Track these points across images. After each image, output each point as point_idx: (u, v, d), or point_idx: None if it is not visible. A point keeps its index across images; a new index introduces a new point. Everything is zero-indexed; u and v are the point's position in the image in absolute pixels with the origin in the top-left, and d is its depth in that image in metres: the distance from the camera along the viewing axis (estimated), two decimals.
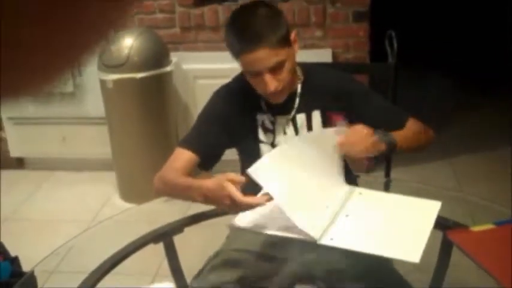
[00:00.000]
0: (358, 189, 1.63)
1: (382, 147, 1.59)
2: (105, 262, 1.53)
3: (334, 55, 3.33)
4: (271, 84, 1.59)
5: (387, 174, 2.15)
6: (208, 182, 1.49)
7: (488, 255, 1.34)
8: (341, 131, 1.60)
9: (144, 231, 1.67)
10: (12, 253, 2.24)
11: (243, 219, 1.50)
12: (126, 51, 3.06)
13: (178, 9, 3.44)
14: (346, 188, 1.63)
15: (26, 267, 2.15)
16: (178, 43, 3.48)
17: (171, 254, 1.72)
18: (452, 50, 5.44)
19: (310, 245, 1.43)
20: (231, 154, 1.81)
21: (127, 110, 3.24)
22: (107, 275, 1.50)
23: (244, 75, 1.68)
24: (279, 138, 1.74)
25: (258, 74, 1.59)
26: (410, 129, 1.73)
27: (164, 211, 1.88)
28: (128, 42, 3.07)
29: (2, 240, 2.28)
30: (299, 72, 1.73)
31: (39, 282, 1.76)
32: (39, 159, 3.86)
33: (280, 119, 1.73)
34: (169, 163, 1.69)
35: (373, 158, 1.62)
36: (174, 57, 3.36)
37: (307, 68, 1.76)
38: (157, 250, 1.69)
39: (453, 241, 1.45)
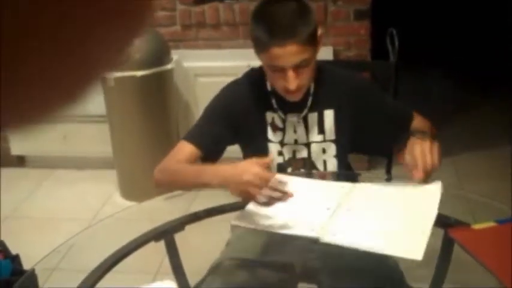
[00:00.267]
0: (358, 185, 1.63)
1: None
2: (106, 260, 1.52)
3: (335, 53, 3.33)
4: (293, 82, 1.55)
5: (388, 172, 2.15)
6: (227, 166, 1.49)
7: (490, 253, 1.34)
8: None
9: (145, 229, 1.67)
10: (13, 251, 2.24)
11: (244, 219, 1.50)
12: None
13: (179, 7, 3.44)
14: (346, 184, 1.62)
15: (26, 265, 2.15)
16: (179, 41, 3.48)
17: (172, 252, 1.72)
18: (453, 49, 5.43)
19: (311, 246, 1.43)
20: (233, 152, 1.80)
21: (128, 108, 3.24)
22: (108, 273, 1.50)
23: (255, 71, 1.67)
24: (289, 137, 1.73)
25: (281, 70, 1.55)
26: (424, 122, 1.74)
27: (165, 209, 1.87)
28: None
29: (2, 239, 2.28)
30: None
31: (40, 281, 1.76)
32: (40, 157, 3.86)
33: (291, 117, 1.70)
34: (171, 155, 1.67)
35: None
36: (175, 55, 3.36)
37: (318, 65, 1.70)
38: (158, 248, 1.69)
39: (455, 239, 1.44)
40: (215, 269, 1.60)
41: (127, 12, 0.28)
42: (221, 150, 1.73)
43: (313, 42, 1.56)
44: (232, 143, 1.76)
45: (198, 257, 1.69)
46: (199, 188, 1.62)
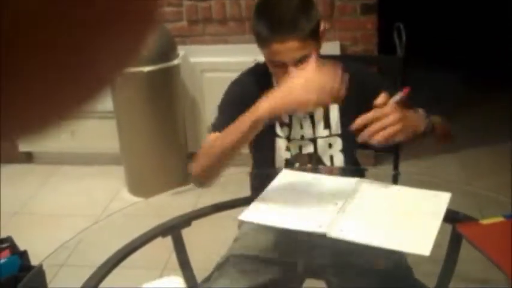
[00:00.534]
0: (366, 181, 1.62)
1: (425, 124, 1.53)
2: (113, 256, 1.53)
3: (342, 48, 3.32)
4: None
5: (395, 167, 2.14)
6: (268, 94, 1.45)
7: (498, 248, 1.34)
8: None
9: (153, 224, 1.67)
10: (21, 247, 2.25)
11: (251, 214, 1.50)
12: None
13: (186, 2, 3.43)
14: (354, 180, 1.62)
15: (34, 261, 2.16)
16: (185, 36, 3.48)
17: (180, 247, 1.72)
18: (458, 44, 5.41)
19: (318, 242, 1.42)
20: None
21: (134, 104, 3.24)
22: (115, 268, 1.50)
23: (261, 66, 1.66)
24: (295, 132, 1.72)
25: (283, 66, 1.55)
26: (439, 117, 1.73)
27: (172, 204, 1.87)
28: None
29: (10, 234, 2.29)
30: None
31: (48, 276, 1.76)
32: (48, 153, 3.87)
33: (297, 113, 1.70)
34: (205, 148, 1.62)
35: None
36: (182, 50, 3.36)
37: (324, 59, 1.69)
38: (165, 243, 1.69)
39: (463, 234, 1.44)
40: (222, 265, 1.60)
41: (133, 12, 0.28)
42: None
43: (315, 37, 1.55)
44: None
45: (205, 253, 1.69)
46: (244, 143, 1.53)
